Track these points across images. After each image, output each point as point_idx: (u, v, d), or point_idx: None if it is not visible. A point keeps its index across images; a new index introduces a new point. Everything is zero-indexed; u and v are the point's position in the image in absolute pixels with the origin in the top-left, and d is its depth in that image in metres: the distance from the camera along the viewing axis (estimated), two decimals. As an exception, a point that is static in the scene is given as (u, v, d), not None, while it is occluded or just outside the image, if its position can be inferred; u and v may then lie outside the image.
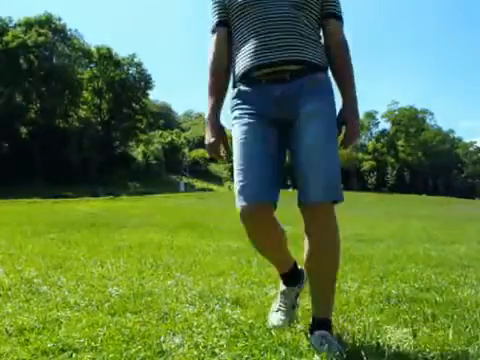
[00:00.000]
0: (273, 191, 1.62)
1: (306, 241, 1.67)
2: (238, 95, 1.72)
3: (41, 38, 46.00)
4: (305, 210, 1.63)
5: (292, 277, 1.96)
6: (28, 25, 47.28)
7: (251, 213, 1.58)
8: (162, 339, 1.98)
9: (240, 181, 1.58)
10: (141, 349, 1.86)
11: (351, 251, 5.88)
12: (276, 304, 2.01)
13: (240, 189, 1.57)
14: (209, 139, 1.72)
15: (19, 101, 46.25)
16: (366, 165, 72.68)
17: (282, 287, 1.99)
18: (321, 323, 1.66)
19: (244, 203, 1.57)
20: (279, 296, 2.01)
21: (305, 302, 2.37)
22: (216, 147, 1.73)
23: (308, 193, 1.56)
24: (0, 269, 3.59)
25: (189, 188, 46.86)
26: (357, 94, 1.74)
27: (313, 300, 1.72)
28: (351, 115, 1.67)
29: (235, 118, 1.70)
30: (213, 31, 1.77)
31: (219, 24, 1.75)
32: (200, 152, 59.40)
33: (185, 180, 51.15)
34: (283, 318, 1.90)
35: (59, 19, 49.78)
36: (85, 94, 52.35)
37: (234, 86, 1.76)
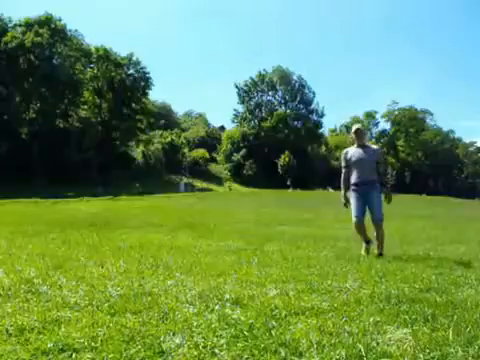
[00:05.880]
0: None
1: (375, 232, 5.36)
2: (354, 189, 5.37)
3: (41, 38, 45.98)
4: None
5: (368, 241, 5.51)
6: (28, 25, 47.28)
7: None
8: (162, 339, 1.98)
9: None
10: (141, 349, 1.86)
11: (351, 251, 5.89)
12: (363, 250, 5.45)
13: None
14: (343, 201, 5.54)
15: (19, 101, 46.21)
16: (366, 165, 72.13)
17: (365, 244, 5.50)
18: (380, 255, 5.21)
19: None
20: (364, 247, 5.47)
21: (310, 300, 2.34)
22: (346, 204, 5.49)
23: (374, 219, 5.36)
24: (0, 269, 3.59)
25: (189, 188, 46.81)
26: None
27: (378, 246, 5.35)
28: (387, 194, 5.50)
29: (353, 191, 5.37)
30: (344, 167, 5.49)
31: (345, 167, 5.48)
32: (200, 152, 59.29)
33: (185, 180, 51.04)
34: (365, 253, 5.36)
35: (59, 19, 49.74)
36: (85, 94, 52.29)
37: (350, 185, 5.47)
